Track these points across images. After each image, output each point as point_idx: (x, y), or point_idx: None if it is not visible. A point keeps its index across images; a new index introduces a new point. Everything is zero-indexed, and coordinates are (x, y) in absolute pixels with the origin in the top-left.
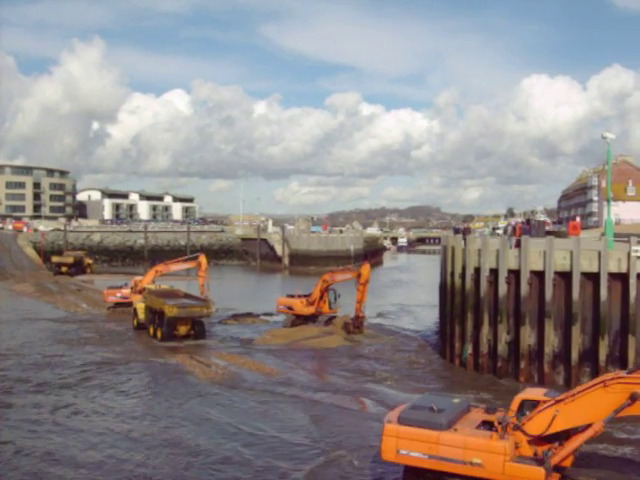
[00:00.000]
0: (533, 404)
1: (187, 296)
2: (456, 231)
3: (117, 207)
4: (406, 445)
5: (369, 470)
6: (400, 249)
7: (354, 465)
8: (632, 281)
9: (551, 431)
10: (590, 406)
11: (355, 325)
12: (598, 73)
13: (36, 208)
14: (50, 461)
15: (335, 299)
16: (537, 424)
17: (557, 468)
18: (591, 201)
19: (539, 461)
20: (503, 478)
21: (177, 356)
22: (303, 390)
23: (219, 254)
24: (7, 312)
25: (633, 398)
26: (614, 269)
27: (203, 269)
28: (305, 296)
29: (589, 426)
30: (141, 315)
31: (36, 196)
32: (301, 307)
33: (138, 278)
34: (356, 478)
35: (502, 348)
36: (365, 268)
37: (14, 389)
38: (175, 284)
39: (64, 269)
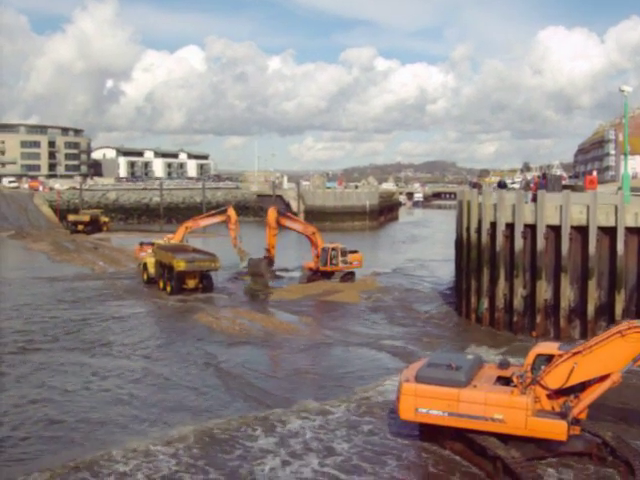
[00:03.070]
0: (547, 358)
1: (196, 251)
2: (472, 185)
3: (132, 165)
4: (425, 403)
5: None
6: (416, 204)
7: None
8: None
9: (570, 383)
10: (608, 357)
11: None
12: (616, 25)
13: (51, 167)
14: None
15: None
16: (556, 377)
17: (574, 421)
18: (608, 155)
19: (561, 414)
20: (525, 433)
21: (190, 310)
22: (316, 343)
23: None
24: (25, 270)
25: None
26: (631, 223)
27: (233, 222)
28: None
29: (605, 377)
30: (151, 269)
31: (51, 155)
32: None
33: (170, 235)
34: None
35: (518, 303)
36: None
37: (36, 342)
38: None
39: (80, 227)
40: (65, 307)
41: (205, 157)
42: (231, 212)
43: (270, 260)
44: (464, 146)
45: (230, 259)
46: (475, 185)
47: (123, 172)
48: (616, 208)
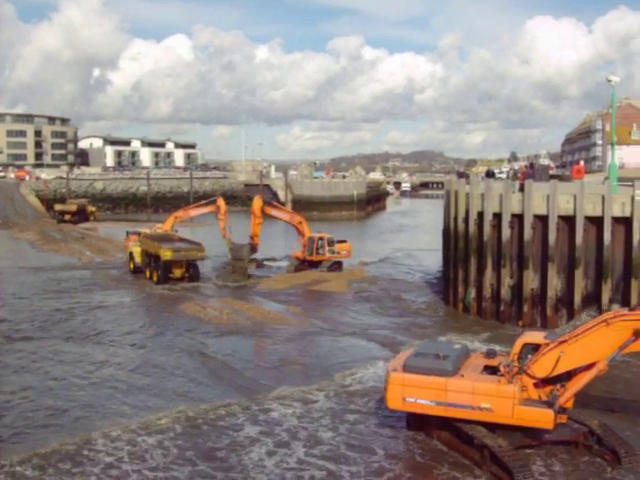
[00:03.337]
0: (533, 347)
1: (182, 240)
2: (460, 175)
3: (119, 154)
4: (413, 393)
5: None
6: (403, 194)
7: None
8: (635, 225)
9: (556, 372)
10: (594, 345)
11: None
12: (604, 15)
13: (38, 156)
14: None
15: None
16: (542, 366)
17: (561, 410)
18: (595, 145)
19: (547, 403)
20: (512, 422)
21: (177, 300)
22: (304, 332)
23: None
24: (11, 260)
25: (637, 334)
26: (618, 213)
27: (222, 212)
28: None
29: (591, 366)
30: (137, 259)
31: (38, 144)
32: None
33: (159, 225)
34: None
35: (505, 292)
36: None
37: (23, 331)
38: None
39: (67, 217)
40: (52, 297)
41: (192, 146)
42: (221, 203)
43: (253, 248)
44: (452, 136)
45: (217, 248)
46: (462, 175)
47: (110, 161)
48: (603, 198)
